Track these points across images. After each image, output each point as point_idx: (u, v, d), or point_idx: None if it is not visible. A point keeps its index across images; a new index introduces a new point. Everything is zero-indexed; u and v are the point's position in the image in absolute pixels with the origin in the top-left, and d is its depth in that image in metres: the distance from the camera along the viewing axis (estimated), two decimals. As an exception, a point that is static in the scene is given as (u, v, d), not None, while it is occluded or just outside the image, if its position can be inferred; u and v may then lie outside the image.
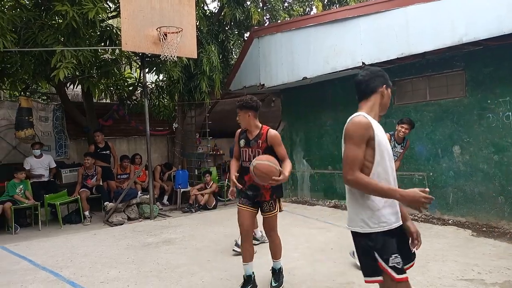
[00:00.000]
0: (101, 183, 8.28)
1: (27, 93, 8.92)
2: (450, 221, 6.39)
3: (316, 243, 5.45)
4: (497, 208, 5.99)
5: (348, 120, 2.39)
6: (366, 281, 2.36)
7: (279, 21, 10.37)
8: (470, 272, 4.15)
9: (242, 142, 3.88)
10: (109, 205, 7.73)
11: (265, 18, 10.94)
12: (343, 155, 2.35)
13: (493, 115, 6.03)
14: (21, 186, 7.34)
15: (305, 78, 7.85)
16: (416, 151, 7.00)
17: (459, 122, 6.44)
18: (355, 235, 2.36)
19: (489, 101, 6.07)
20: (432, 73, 6.80)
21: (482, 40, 5.50)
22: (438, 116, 6.73)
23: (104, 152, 8.76)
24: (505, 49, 5.75)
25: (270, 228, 3.90)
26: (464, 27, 5.54)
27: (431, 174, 6.80)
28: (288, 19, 10.42)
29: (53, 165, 8.26)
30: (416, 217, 6.80)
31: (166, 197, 9.31)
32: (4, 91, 9.62)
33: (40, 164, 8.02)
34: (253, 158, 3.60)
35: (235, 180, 3.69)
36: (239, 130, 4.00)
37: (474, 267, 4.29)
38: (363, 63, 6.82)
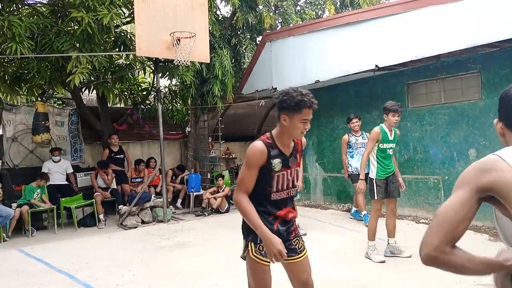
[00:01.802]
0: (115, 187, 8.37)
1: (44, 98, 9.07)
2: (466, 226, 6.28)
3: (330, 247, 5.41)
4: (515, 212, 5.87)
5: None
6: None
7: (291, 25, 10.37)
8: (487, 277, 4.07)
9: (277, 163, 2.45)
10: (123, 208, 7.81)
11: (277, 22, 10.96)
12: None
13: (510, 118, 5.92)
14: (38, 190, 7.46)
15: (317, 81, 7.83)
16: (431, 154, 6.92)
17: (475, 125, 6.34)
18: None
19: (505, 104, 5.96)
20: (446, 75, 6.72)
21: (497, 42, 5.43)
22: (453, 119, 6.64)
23: (118, 156, 8.86)
24: (521, 50, 5.66)
25: (309, 273, 2.64)
26: (479, 28, 5.46)
27: (446, 177, 6.71)
28: (301, 22, 10.42)
29: (70, 170, 8.40)
30: (431, 222, 6.69)
31: (179, 201, 9.36)
32: (22, 96, 9.81)
33: (58, 169, 8.18)
34: (293, 183, 2.58)
35: (271, 236, 2.29)
36: (261, 146, 2.42)
37: (491, 272, 4.20)
38: (376, 66, 6.78)
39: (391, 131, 4.94)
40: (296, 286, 2.64)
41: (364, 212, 6.79)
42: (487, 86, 6.19)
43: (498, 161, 1.27)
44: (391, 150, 4.92)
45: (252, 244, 2.44)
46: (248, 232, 2.46)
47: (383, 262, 4.67)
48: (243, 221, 2.50)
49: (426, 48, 6.12)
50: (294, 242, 2.57)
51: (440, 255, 1.31)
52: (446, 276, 4.13)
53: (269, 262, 2.43)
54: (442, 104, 6.81)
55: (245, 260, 2.54)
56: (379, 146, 4.84)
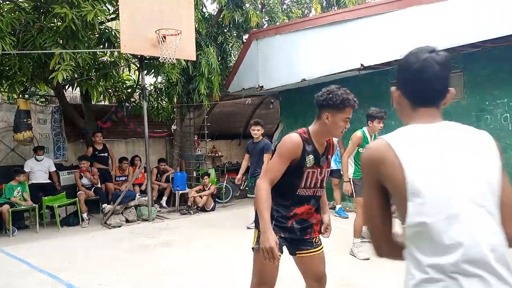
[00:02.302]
0: (99, 185, 8.27)
1: (26, 95, 8.89)
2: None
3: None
4: (496, 210, 5.99)
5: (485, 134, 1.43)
6: None
7: (278, 23, 10.38)
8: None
9: (310, 159, 2.44)
10: (107, 207, 7.71)
11: (264, 20, 10.95)
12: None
13: (491, 117, 6.04)
14: (18, 188, 7.31)
15: (304, 80, 7.85)
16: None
17: (458, 123, 6.43)
18: None
19: (487, 103, 6.08)
20: (430, 75, 6.81)
21: (480, 42, 5.53)
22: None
23: (102, 154, 8.75)
24: (503, 51, 5.76)
25: (324, 267, 2.68)
26: (463, 29, 5.55)
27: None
28: (287, 21, 10.44)
29: (53, 168, 8.26)
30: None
31: (164, 199, 9.30)
32: (3, 93, 9.60)
33: (40, 167, 8.03)
34: (321, 183, 2.56)
35: (270, 232, 2.24)
36: (297, 139, 2.42)
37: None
38: (361, 65, 6.83)
39: (372, 136, 5.16)
40: (310, 280, 2.63)
41: (339, 206, 7.27)
42: (469, 86, 6.30)
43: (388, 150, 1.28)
44: None
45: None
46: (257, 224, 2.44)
47: (368, 259, 4.72)
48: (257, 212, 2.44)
49: (411, 47, 6.18)
50: (311, 237, 2.60)
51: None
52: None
53: (280, 256, 2.37)
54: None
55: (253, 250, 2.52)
56: (358, 149, 5.08)
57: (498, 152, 1.30)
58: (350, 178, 5.11)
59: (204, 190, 8.66)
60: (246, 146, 6.80)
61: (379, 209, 1.34)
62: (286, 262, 2.69)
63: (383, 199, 1.33)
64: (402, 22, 6.26)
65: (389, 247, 1.37)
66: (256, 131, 6.36)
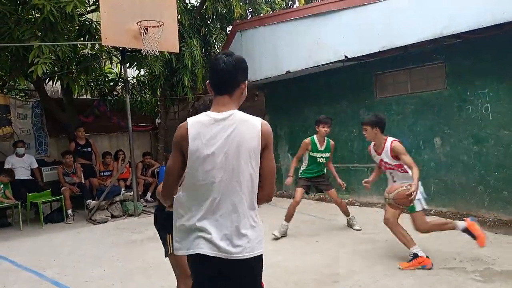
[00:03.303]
0: (83, 181, 8.14)
1: (4, 90, 8.67)
2: (431, 211, 6.51)
3: (302, 236, 5.49)
4: (477, 198, 6.13)
5: (260, 121, 1.94)
6: None
7: (261, 15, 10.32)
8: (452, 261, 4.25)
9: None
10: (92, 203, 7.61)
11: (247, 11, 10.87)
12: (271, 170, 1.94)
13: (473, 107, 6.15)
14: (1, 186, 7.15)
15: (288, 72, 7.85)
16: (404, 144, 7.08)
17: (440, 114, 6.54)
18: (257, 260, 1.92)
19: (468, 93, 6.18)
20: (413, 66, 6.89)
21: (462, 33, 5.60)
22: (419, 108, 6.83)
23: (85, 149, 8.61)
24: (484, 42, 5.85)
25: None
26: (444, 20, 5.61)
27: (413, 165, 6.90)
28: (271, 12, 10.38)
29: (35, 165, 8.08)
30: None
31: (149, 194, 9.22)
32: (-20, 88, 9.34)
33: (22, 164, 7.84)
34: None
35: None
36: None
37: (455, 255, 4.39)
38: (345, 56, 6.86)
39: (323, 142, 5.77)
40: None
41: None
42: (451, 76, 6.39)
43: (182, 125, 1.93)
44: (321, 158, 5.76)
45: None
46: (170, 228, 2.11)
47: (277, 239, 5.36)
48: (164, 217, 2.63)
49: (394, 39, 6.24)
50: None
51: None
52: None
53: None
54: (409, 94, 6.99)
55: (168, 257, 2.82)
56: (309, 154, 5.78)
57: (259, 134, 1.87)
58: (299, 172, 5.91)
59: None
60: None
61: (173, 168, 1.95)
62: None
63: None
64: (384, 13, 6.30)
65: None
66: None
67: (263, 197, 1.93)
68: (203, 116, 1.91)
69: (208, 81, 2.00)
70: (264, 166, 1.90)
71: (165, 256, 2.88)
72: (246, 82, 1.99)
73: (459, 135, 6.32)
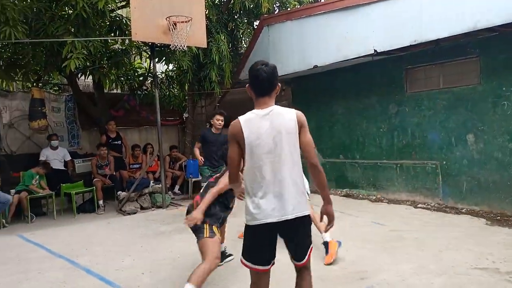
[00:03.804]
0: (114, 173, 8.37)
1: (40, 84, 8.98)
2: (463, 210, 6.34)
3: (328, 232, 5.44)
4: (512, 197, 5.92)
5: (294, 111, 2.48)
6: (307, 260, 2.55)
7: (289, 9, 10.25)
8: (484, 261, 4.13)
9: None
10: (122, 194, 7.82)
11: (275, 6, 10.82)
12: (309, 141, 2.46)
13: (508, 103, 5.92)
14: (37, 176, 7.44)
15: (315, 66, 7.77)
16: (429, 139, 6.92)
17: (473, 110, 6.34)
18: (305, 217, 2.45)
19: (504, 89, 5.95)
20: (445, 60, 6.69)
21: (497, 26, 5.38)
22: (451, 104, 6.63)
23: (116, 142, 8.83)
24: (521, 34, 5.62)
25: None
26: (479, 13, 5.41)
27: (444, 162, 6.73)
28: (298, 6, 10.29)
29: (68, 157, 8.39)
30: (429, 206, 6.76)
31: (177, 187, 9.38)
32: (17, 82, 9.71)
33: (56, 156, 8.17)
34: None
35: None
36: None
37: (488, 256, 4.26)
38: (375, 50, 6.73)
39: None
40: None
41: None
42: (485, 71, 6.17)
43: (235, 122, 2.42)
44: None
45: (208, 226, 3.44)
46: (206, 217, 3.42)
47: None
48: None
49: (425, 32, 6.07)
50: None
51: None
52: (443, 260, 4.19)
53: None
54: (441, 89, 6.79)
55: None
56: None
57: (296, 120, 2.42)
58: None
59: (217, 177, 8.68)
60: (202, 134, 6.49)
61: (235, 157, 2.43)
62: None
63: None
64: (416, 6, 6.12)
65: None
66: (221, 122, 6.24)
67: (309, 165, 2.44)
68: (250, 114, 2.42)
69: (248, 85, 2.48)
70: (302, 140, 2.42)
71: (197, 242, 3.46)
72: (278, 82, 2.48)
73: (494, 131, 6.10)
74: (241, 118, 2.40)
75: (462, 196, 6.51)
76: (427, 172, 6.98)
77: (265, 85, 2.43)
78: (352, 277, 3.88)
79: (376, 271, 4.01)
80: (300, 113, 2.47)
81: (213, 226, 3.48)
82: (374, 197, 7.77)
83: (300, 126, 2.42)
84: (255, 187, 2.38)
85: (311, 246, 2.56)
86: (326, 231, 2.69)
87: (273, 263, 2.49)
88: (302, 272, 2.57)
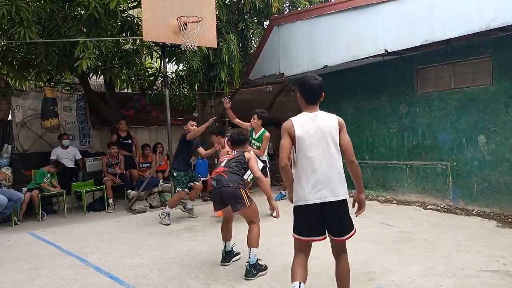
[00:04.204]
0: (124, 172, 8.45)
1: (52, 83, 9.09)
2: (474, 212, 6.27)
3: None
4: (524, 199, 5.84)
5: (335, 116, 3.03)
6: (350, 237, 3.01)
7: (299, 9, 10.23)
8: (494, 263, 4.08)
9: None
10: (131, 193, 7.89)
11: (285, 6, 10.80)
12: (348, 141, 3.01)
13: (521, 103, 5.85)
14: (48, 175, 7.55)
15: (325, 66, 7.75)
16: (439, 140, 6.86)
17: (485, 110, 6.26)
18: (345, 200, 2.98)
19: (517, 89, 5.88)
20: (457, 60, 6.62)
21: (509, 25, 5.32)
22: (463, 104, 6.56)
23: (126, 141, 8.92)
24: (535, 34, 5.54)
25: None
26: (492, 12, 5.35)
27: (454, 163, 6.66)
28: (309, 6, 10.27)
29: (79, 156, 8.49)
30: (438, 208, 6.70)
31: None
32: (30, 81, 9.85)
33: (66, 155, 8.28)
34: None
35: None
36: None
37: (499, 258, 4.21)
38: (385, 50, 6.69)
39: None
40: None
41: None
42: (498, 71, 6.09)
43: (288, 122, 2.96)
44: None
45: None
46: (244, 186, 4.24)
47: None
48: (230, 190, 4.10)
49: (437, 32, 6.02)
50: None
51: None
52: (452, 262, 4.15)
53: None
54: (452, 89, 6.73)
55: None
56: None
57: (337, 122, 2.98)
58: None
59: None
60: (184, 138, 6.56)
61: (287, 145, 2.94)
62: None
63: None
64: (428, 5, 6.08)
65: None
66: (195, 127, 6.57)
67: (347, 161, 2.99)
68: (301, 116, 2.99)
69: (298, 94, 3.05)
70: (342, 139, 2.97)
71: (237, 211, 4.13)
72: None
73: (506, 132, 6.03)
74: (293, 119, 2.97)
75: (472, 197, 6.44)
76: (437, 173, 6.92)
77: (315, 95, 3.00)
78: (360, 278, 3.86)
79: (385, 272, 3.98)
80: (340, 118, 3.03)
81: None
82: (383, 198, 7.72)
83: (340, 128, 2.96)
84: (306, 175, 2.90)
85: (354, 228, 3.04)
86: (357, 215, 3.09)
87: (324, 238, 3.02)
88: (340, 254, 3.05)
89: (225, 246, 4.44)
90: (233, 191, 4.08)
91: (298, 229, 2.99)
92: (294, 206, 2.99)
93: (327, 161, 2.91)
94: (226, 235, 4.43)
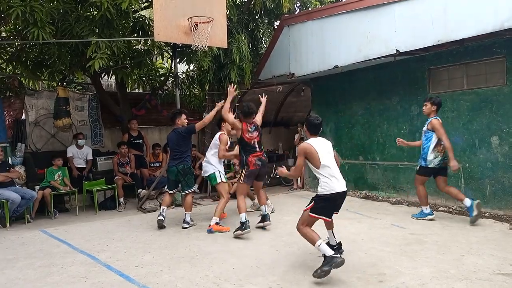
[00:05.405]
0: (135, 171, 8.51)
1: (64, 83, 9.20)
2: (486, 214, 6.18)
3: (347, 233, 5.40)
4: (538, 202, 5.74)
5: (328, 141, 4.31)
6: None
7: (310, 9, 10.21)
8: (507, 267, 4.02)
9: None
10: (142, 192, 7.95)
11: (295, 6, 10.78)
12: (337, 155, 4.37)
13: (536, 104, 5.75)
14: (59, 173, 7.64)
15: (336, 66, 7.72)
16: (451, 141, 6.76)
17: (498, 111, 6.18)
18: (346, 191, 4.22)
19: (531, 90, 5.78)
20: (470, 60, 6.54)
21: (525, 25, 5.24)
22: (475, 105, 6.48)
23: (137, 141, 8.98)
24: (550, 34, 5.45)
25: None
26: (506, 11, 5.27)
27: (467, 165, 6.58)
28: (319, 6, 10.24)
29: (90, 157, 8.58)
30: (450, 209, 6.63)
31: (196, 186, 9.44)
32: (43, 81, 9.98)
33: (80, 155, 8.40)
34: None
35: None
36: None
37: (511, 261, 4.15)
38: (397, 50, 6.63)
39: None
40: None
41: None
42: (512, 72, 6.00)
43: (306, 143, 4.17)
44: None
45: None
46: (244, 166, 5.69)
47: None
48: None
49: (450, 32, 5.95)
50: None
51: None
52: (464, 264, 4.10)
53: None
54: (465, 90, 6.65)
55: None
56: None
57: (331, 144, 4.30)
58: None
59: (235, 177, 8.73)
60: (190, 131, 6.52)
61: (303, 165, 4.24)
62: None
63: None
64: (441, 5, 6.01)
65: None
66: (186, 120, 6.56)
67: (338, 164, 4.28)
68: (313, 140, 4.15)
69: (306, 129, 4.31)
70: (335, 156, 4.26)
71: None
72: None
73: (520, 134, 5.93)
74: (309, 142, 4.13)
75: (485, 199, 6.35)
76: (449, 174, 6.81)
77: (318, 130, 4.27)
78: (370, 280, 3.84)
79: (395, 274, 3.95)
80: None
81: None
82: (394, 200, 7.66)
83: (332, 148, 4.28)
84: (328, 174, 4.03)
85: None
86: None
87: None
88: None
89: (265, 208, 5.92)
90: (267, 170, 6.25)
91: (325, 212, 4.06)
92: (327, 195, 3.99)
93: (336, 167, 4.16)
94: (264, 200, 5.97)
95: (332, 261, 3.76)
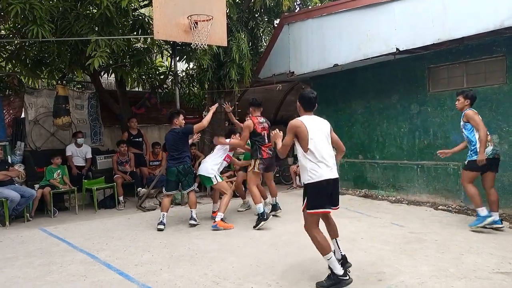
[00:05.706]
0: (134, 169, 8.51)
1: (64, 81, 9.20)
2: (486, 213, 6.17)
3: (347, 232, 5.40)
4: (538, 200, 5.74)
5: (326, 121, 3.88)
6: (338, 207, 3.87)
7: (310, 7, 10.19)
8: (507, 265, 4.02)
9: None
10: (142, 190, 7.94)
11: (295, 4, 10.76)
12: (338, 137, 4.00)
13: (536, 103, 5.75)
14: (58, 171, 7.64)
15: (336, 65, 7.71)
16: (451, 140, 6.78)
17: (498, 110, 6.17)
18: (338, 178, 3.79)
19: (531, 88, 5.78)
20: (469, 59, 6.53)
21: (525, 24, 5.23)
22: (475, 104, 6.43)
23: (137, 139, 8.98)
24: (550, 33, 5.44)
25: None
26: (506, 10, 5.26)
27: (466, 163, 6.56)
28: (319, 4, 10.22)
29: (89, 156, 8.57)
30: (450, 208, 6.63)
31: (196, 184, 9.43)
32: (42, 80, 9.97)
33: (79, 154, 8.40)
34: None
35: None
36: None
37: (511, 260, 4.15)
38: (397, 49, 6.63)
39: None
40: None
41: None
42: (512, 70, 6.00)
43: (297, 119, 3.72)
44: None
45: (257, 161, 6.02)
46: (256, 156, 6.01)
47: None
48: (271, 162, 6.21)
49: (450, 31, 5.94)
50: None
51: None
52: (463, 263, 4.11)
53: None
54: (464, 88, 6.64)
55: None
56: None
57: (329, 125, 3.84)
58: None
59: (235, 176, 8.73)
60: (188, 131, 6.51)
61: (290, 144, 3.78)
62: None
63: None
64: (440, 3, 6.00)
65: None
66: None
67: (341, 151, 4.03)
68: (305, 117, 3.73)
69: (298, 103, 3.85)
70: (333, 137, 3.85)
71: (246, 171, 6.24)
72: None
73: (519, 133, 5.93)
74: (301, 119, 3.71)
75: (484, 198, 6.34)
76: (448, 173, 6.84)
77: (313, 105, 3.82)
78: (369, 278, 3.84)
79: (395, 273, 3.95)
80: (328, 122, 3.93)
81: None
82: (393, 198, 7.66)
83: (331, 129, 3.84)
84: (317, 159, 3.61)
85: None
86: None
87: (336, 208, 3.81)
88: (329, 217, 3.92)
89: (275, 200, 6.42)
90: (274, 162, 6.39)
91: (318, 203, 3.62)
92: (315, 183, 3.59)
93: (329, 150, 3.72)
94: (275, 190, 6.45)
95: (340, 284, 3.55)
